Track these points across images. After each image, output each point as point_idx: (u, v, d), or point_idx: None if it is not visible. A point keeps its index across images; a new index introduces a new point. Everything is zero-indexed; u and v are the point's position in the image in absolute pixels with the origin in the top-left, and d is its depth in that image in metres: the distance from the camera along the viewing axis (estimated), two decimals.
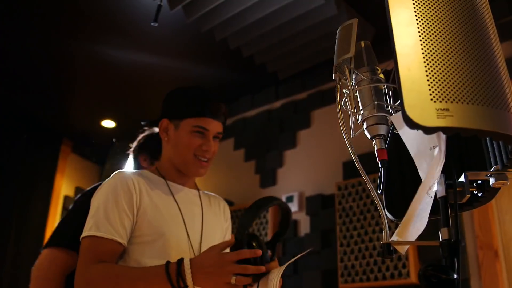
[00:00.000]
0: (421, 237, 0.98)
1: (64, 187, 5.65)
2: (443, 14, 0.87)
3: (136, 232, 1.68)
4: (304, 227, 4.13)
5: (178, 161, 1.82)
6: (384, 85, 1.03)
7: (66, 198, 5.62)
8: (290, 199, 4.27)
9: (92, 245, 1.61)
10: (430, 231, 1.01)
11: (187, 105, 1.81)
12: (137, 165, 2.64)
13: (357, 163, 1.00)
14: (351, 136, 1.04)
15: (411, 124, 0.75)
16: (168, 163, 1.86)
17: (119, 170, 1.80)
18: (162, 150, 1.91)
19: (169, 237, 1.68)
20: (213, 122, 1.81)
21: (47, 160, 5.55)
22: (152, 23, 3.20)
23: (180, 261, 1.48)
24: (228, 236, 1.93)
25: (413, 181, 1.10)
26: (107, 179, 1.76)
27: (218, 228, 1.91)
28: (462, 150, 0.99)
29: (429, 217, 1.00)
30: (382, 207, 0.97)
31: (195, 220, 1.81)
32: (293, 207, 4.23)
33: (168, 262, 1.50)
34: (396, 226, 0.98)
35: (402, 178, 1.14)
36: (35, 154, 5.41)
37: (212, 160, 1.86)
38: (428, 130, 0.74)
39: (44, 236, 5.27)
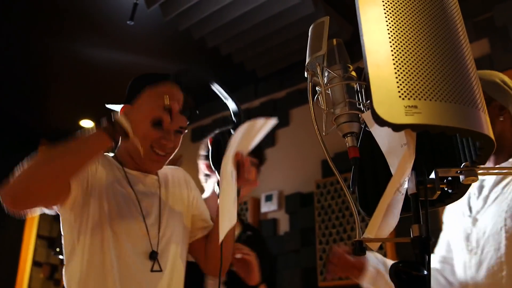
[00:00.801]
0: (399, 234, 0.98)
1: None
2: (412, 12, 0.87)
3: (84, 211, 1.53)
4: (284, 226, 4.14)
5: (133, 153, 1.65)
6: (356, 83, 1.03)
7: None
8: (269, 198, 4.28)
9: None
10: (406, 229, 1.01)
11: (146, 79, 1.61)
12: None
13: (329, 161, 1.00)
14: (324, 134, 1.04)
15: (380, 121, 0.75)
16: (123, 152, 1.69)
17: None
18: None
19: (124, 230, 1.56)
20: (173, 90, 1.60)
21: (24, 160, 5.47)
22: (128, 22, 3.19)
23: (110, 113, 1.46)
24: (196, 203, 1.80)
25: (386, 179, 1.10)
26: None
27: (180, 204, 1.75)
28: (433, 147, 0.99)
29: (401, 214, 1.00)
30: (354, 205, 0.97)
31: (154, 210, 1.65)
32: (272, 205, 4.23)
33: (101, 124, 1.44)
34: None
35: (376, 176, 1.14)
36: (12, 155, 5.33)
37: (171, 154, 1.67)
38: (396, 127, 0.75)
39: (22, 236, 5.22)
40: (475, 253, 1.70)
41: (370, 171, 1.16)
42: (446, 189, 0.95)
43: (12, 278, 5.11)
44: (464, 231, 1.76)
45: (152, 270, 1.56)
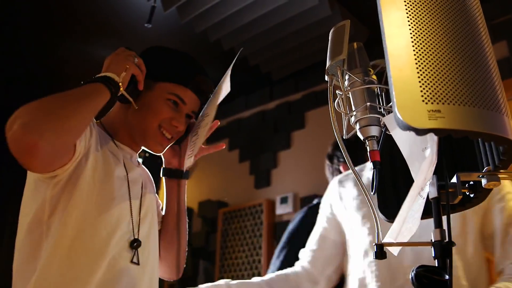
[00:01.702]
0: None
1: None
2: (435, 15, 0.87)
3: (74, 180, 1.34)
4: None
5: (137, 127, 1.52)
6: (376, 87, 1.03)
7: None
8: (284, 200, 4.28)
9: None
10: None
11: (169, 66, 1.55)
12: None
13: (349, 165, 1.00)
14: (344, 137, 1.04)
15: (403, 125, 0.75)
16: (120, 125, 1.55)
17: None
18: (115, 107, 1.52)
19: (115, 213, 1.40)
20: (193, 96, 1.55)
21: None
22: (146, 24, 3.20)
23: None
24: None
25: (406, 182, 1.10)
26: None
27: (152, 192, 1.62)
28: (455, 151, 0.99)
29: (421, 218, 1.00)
30: (374, 208, 0.97)
31: (138, 194, 1.51)
32: (288, 208, 4.23)
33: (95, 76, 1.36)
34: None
35: (395, 179, 1.14)
36: None
37: (176, 139, 1.59)
38: (419, 132, 0.75)
39: None
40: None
41: (390, 174, 1.16)
42: (467, 193, 0.95)
43: None
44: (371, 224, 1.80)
45: (131, 261, 1.41)
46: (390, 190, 1.15)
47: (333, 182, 2.12)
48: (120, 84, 1.37)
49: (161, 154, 1.60)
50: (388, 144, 1.10)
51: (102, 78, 1.35)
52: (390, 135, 1.04)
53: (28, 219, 1.33)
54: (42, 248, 1.30)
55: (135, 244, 1.42)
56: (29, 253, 1.31)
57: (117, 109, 1.52)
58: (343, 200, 2.00)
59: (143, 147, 1.58)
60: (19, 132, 1.14)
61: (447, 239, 0.87)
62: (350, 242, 1.93)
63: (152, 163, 1.84)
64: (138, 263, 1.42)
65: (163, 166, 1.68)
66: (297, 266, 2.02)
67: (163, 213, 1.68)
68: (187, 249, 1.70)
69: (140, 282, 1.43)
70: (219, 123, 1.69)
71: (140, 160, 1.66)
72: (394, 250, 0.98)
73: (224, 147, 1.75)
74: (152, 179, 1.67)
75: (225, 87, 1.57)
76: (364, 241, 1.83)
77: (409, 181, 1.09)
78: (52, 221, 1.31)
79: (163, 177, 1.68)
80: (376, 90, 1.05)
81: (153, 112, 1.50)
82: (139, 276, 1.42)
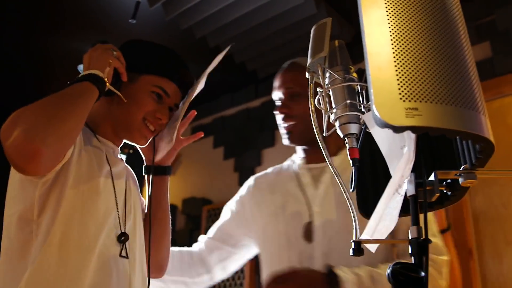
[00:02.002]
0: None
1: None
2: (415, 14, 0.87)
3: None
4: None
5: (121, 120, 1.53)
6: (357, 84, 1.04)
7: None
8: None
9: None
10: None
11: (153, 59, 1.57)
12: None
13: (328, 161, 1.00)
14: (324, 134, 1.05)
15: (381, 123, 0.75)
16: (102, 119, 1.54)
17: None
18: (99, 100, 1.52)
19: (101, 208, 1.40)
20: (176, 89, 1.57)
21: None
22: (130, 20, 3.19)
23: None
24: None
25: (386, 180, 1.11)
26: None
27: (136, 187, 1.63)
28: (433, 149, 1.00)
29: (400, 216, 1.01)
30: (352, 206, 0.98)
31: (122, 190, 1.51)
32: None
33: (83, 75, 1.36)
34: None
35: (375, 177, 1.15)
36: None
37: (158, 132, 1.60)
38: (397, 129, 0.75)
39: None
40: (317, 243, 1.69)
41: (370, 172, 1.16)
42: (445, 191, 0.96)
43: None
44: (300, 221, 1.75)
45: (120, 255, 1.41)
46: (369, 188, 1.15)
47: (250, 180, 2.08)
48: (105, 79, 1.38)
49: (141, 147, 1.60)
50: (368, 141, 1.10)
51: (88, 76, 1.36)
52: (369, 132, 1.04)
53: (15, 218, 1.32)
54: (32, 246, 1.29)
55: (122, 238, 1.42)
56: (18, 253, 1.30)
57: (99, 103, 1.49)
58: (256, 199, 1.97)
59: (125, 140, 1.58)
60: (20, 139, 1.15)
61: (423, 237, 0.88)
62: (262, 245, 1.90)
63: (134, 161, 1.83)
64: (127, 257, 1.42)
65: (145, 164, 1.68)
66: (195, 247, 2.00)
67: (146, 210, 1.67)
68: (170, 247, 1.70)
69: (133, 276, 1.43)
70: (195, 113, 1.71)
71: (124, 157, 1.65)
72: (371, 247, 0.99)
73: (202, 135, 1.76)
74: (135, 175, 1.67)
75: (201, 83, 1.59)
76: (280, 245, 1.80)
77: (389, 178, 1.10)
78: (42, 220, 1.31)
79: (145, 175, 1.67)
80: (356, 88, 1.05)
81: (137, 104, 1.51)
82: (131, 269, 1.43)
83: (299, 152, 1.90)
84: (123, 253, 1.41)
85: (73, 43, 4.25)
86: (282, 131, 1.79)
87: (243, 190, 2.04)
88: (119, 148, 1.60)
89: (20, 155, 1.16)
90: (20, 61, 4.52)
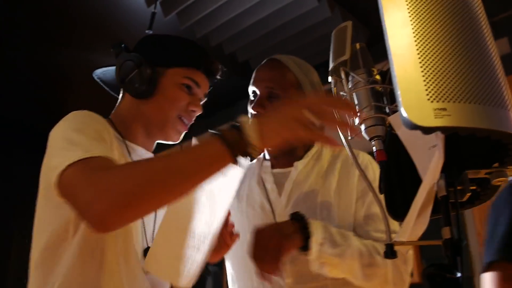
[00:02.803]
0: (423, 237, 0.98)
1: None
2: (437, 14, 0.87)
3: None
4: None
5: (154, 119, 1.43)
6: (380, 86, 1.04)
7: None
8: None
9: (87, 165, 1.11)
10: (431, 230, 1.01)
11: (180, 51, 1.47)
12: None
13: (357, 165, 1.00)
14: (350, 138, 1.04)
15: (409, 124, 0.75)
16: (132, 120, 1.44)
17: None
18: (123, 100, 1.50)
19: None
20: (205, 79, 1.48)
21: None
22: (147, 31, 3.21)
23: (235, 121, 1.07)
24: None
25: (413, 181, 1.10)
26: (66, 116, 1.35)
27: None
28: (462, 148, 0.99)
29: (430, 217, 1.00)
30: (382, 208, 0.97)
31: None
32: None
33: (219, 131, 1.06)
34: None
35: (402, 179, 1.14)
36: (34, 165, 5.40)
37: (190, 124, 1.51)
38: (426, 130, 0.75)
39: None
40: None
41: (396, 174, 1.16)
42: (476, 190, 0.95)
43: None
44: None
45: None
46: (397, 190, 1.15)
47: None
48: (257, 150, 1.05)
49: None
50: (393, 143, 1.10)
51: (236, 138, 1.04)
52: (395, 134, 1.04)
53: (46, 237, 1.27)
54: (64, 263, 1.25)
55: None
56: (47, 271, 1.27)
57: (128, 103, 1.45)
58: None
59: (158, 141, 1.51)
60: (109, 210, 1.02)
61: (456, 237, 0.87)
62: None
63: None
64: None
65: None
66: None
67: None
68: None
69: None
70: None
71: None
72: (404, 249, 0.98)
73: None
74: None
75: None
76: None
77: (416, 180, 1.09)
78: (76, 239, 1.25)
79: None
80: (380, 90, 1.05)
81: (170, 100, 1.42)
82: (157, 281, 1.40)
83: (266, 153, 1.83)
84: None
85: (89, 54, 4.29)
86: None
87: None
88: (151, 152, 1.52)
89: (94, 221, 1.05)
90: (35, 72, 4.57)
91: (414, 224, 0.92)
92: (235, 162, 1.01)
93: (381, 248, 1.48)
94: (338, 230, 1.52)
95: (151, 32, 3.22)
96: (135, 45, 1.50)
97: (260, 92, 1.70)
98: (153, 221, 1.44)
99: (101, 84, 1.57)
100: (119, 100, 1.52)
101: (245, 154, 1.00)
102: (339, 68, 1.05)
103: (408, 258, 1.52)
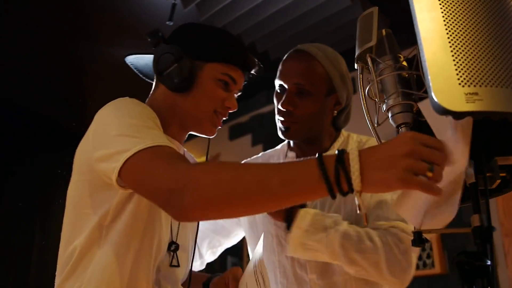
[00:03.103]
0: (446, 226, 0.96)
1: None
2: None
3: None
4: None
5: (190, 113, 1.42)
6: (407, 73, 1.02)
7: None
8: None
9: (162, 153, 1.14)
10: (453, 220, 0.96)
11: (220, 46, 1.44)
12: None
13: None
14: (376, 125, 1.03)
15: (440, 109, 0.74)
16: (168, 113, 1.43)
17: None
18: (157, 90, 1.48)
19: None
20: (242, 76, 1.46)
21: (67, 166, 5.59)
22: (167, 22, 3.20)
23: (341, 152, 0.93)
24: None
25: None
26: (113, 101, 1.35)
27: None
28: (492, 134, 0.97)
29: (460, 204, 0.99)
30: None
31: None
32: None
33: (320, 154, 0.96)
34: None
35: None
36: (55, 160, 5.46)
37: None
38: (457, 115, 0.74)
39: None
40: None
41: None
42: (505, 177, 0.94)
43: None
44: None
45: (171, 265, 1.36)
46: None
47: None
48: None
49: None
50: (420, 130, 1.08)
51: (337, 175, 0.93)
52: (421, 121, 1.03)
53: (91, 223, 1.28)
54: (96, 250, 1.27)
55: (172, 247, 1.37)
56: (82, 255, 1.29)
57: (163, 94, 1.44)
58: None
59: (191, 132, 1.50)
60: (197, 204, 1.04)
61: (486, 224, 0.86)
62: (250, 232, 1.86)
63: None
64: (178, 265, 1.39)
65: None
66: None
67: None
68: None
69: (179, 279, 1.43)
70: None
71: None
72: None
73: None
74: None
75: None
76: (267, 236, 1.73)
77: None
78: (112, 226, 1.27)
79: None
80: (407, 76, 1.03)
81: (207, 95, 1.40)
82: (180, 274, 1.42)
83: (291, 143, 1.82)
84: (174, 262, 1.37)
85: (108, 48, 4.31)
86: (279, 124, 1.70)
87: None
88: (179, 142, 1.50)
89: (178, 210, 1.06)
90: (55, 66, 4.60)
91: (443, 210, 0.91)
92: (330, 195, 0.94)
93: (376, 235, 1.47)
94: (331, 216, 1.52)
95: (171, 23, 3.21)
96: (172, 32, 1.47)
97: (288, 87, 1.66)
98: None
99: (134, 69, 1.55)
100: (153, 89, 1.50)
101: (342, 192, 0.93)
102: (365, 54, 1.03)
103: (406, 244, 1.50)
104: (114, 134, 1.20)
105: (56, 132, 5.48)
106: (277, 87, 1.71)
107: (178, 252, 1.39)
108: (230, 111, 1.47)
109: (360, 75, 1.04)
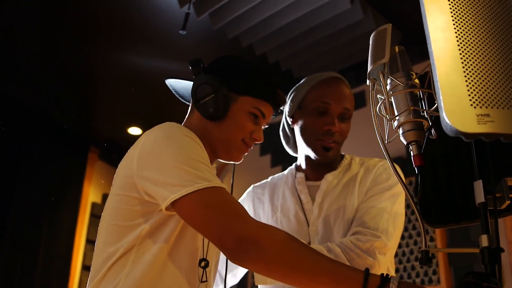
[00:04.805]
0: (452, 243, 0.96)
1: (91, 194, 5.73)
2: (481, 18, 0.86)
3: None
4: None
5: (220, 140, 1.51)
6: (419, 90, 1.03)
7: (93, 204, 5.69)
8: None
9: (220, 197, 1.27)
10: (460, 237, 0.98)
11: (253, 81, 1.54)
12: None
13: (393, 169, 0.99)
14: (386, 142, 1.03)
15: (452, 130, 0.74)
16: (200, 136, 1.48)
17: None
18: (192, 116, 1.57)
19: None
20: (271, 111, 1.57)
21: (75, 167, 5.64)
22: (180, 31, 3.23)
23: (386, 276, 1.10)
24: None
25: (448, 188, 1.09)
26: (165, 126, 1.41)
27: None
28: (501, 155, 0.97)
29: (466, 224, 0.99)
30: (419, 214, 0.96)
31: None
32: None
33: (367, 271, 1.14)
34: (434, 232, 0.97)
35: (437, 184, 1.13)
36: (64, 162, 5.49)
37: None
38: (469, 136, 0.74)
39: (73, 241, 5.35)
40: None
41: (431, 179, 1.15)
42: None
43: (64, 283, 5.24)
44: (299, 236, 1.72)
45: (201, 281, 1.44)
46: (431, 195, 1.14)
47: (249, 189, 2.05)
48: None
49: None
50: (429, 149, 1.09)
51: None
52: (431, 139, 1.03)
53: (125, 234, 1.36)
54: (129, 258, 1.34)
55: (203, 263, 1.45)
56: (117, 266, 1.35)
57: (197, 120, 1.53)
58: (255, 211, 1.94)
59: (220, 159, 1.61)
60: (253, 261, 1.21)
61: (494, 245, 0.85)
62: None
63: None
64: (206, 280, 1.46)
65: None
66: None
67: None
68: None
69: None
70: None
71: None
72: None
73: None
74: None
75: None
76: None
77: (451, 186, 1.08)
78: (144, 245, 1.35)
79: None
80: (418, 93, 1.04)
81: (237, 126, 1.50)
82: None
83: (302, 165, 1.87)
84: (204, 278, 1.45)
85: (120, 54, 4.35)
86: (319, 142, 1.76)
87: (243, 198, 2.03)
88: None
89: (233, 257, 1.23)
90: (66, 71, 4.64)
91: None
92: None
93: (336, 245, 1.57)
94: None
95: (184, 32, 3.23)
96: (211, 62, 1.57)
97: (338, 111, 1.78)
98: None
99: (172, 91, 1.66)
100: (188, 113, 1.59)
101: None
102: (377, 71, 1.04)
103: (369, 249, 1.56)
104: (170, 163, 1.29)
105: (64, 134, 5.52)
106: (320, 105, 1.76)
107: (207, 269, 1.47)
108: (256, 142, 1.57)
109: (371, 91, 1.04)
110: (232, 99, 1.50)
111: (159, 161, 1.32)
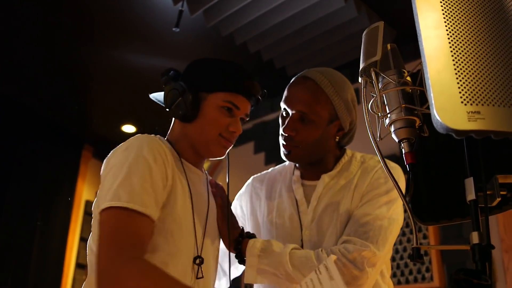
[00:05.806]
0: (445, 241, 0.97)
1: (85, 192, 5.71)
2: (472, 16, 0.86)
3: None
4: None
5: (198, 139, 1.58)
6: (411, 88, 1.03)
7: (87, 202, 5.67)
8: None
9: (123, 221, 1.33)
10: (453, 234, 0.99)
11: (220, 77, 1.59)
12: None
13: (385, 167, 0.99)
14: (378, 139, 1.04)
15: (442, 127, 0.74)
16: (183, 141, 1.61)
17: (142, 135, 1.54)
18: (174, 122, 1.66)
19: (181, 231, 1.49)
20: (245, 101, 1.60)
21: (69, 165, 5.63)
22: (174, 29, 3.22)
23: None
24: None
25: (440, 185, 1.09)
26: (129, 141, 1.52)
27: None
28: (492, 152, 0.98)
29: (458, 221, 0.99)
30: (410, 211, 0.97)
31: (203, 210, 1.61)
32: None
33: None
34: (427, 230, 0.97)
35: (429, 182, 1.13)
36: (57, 160, 5.48)
37: (233, 143, 1.65)
38: (459, 133, 0.74)
39: (67, 239, 5.34)
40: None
41: (423, 177, 1.15)
42: (506, 195, 0.94)
43: (57, 281, 5.23)
44: (293, 240, 1.73)
45: (197, 277, 1.50)
46: (423, 193, 1.14)
47: (249, 181, 2.05)
48: None
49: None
50: (421, 146, 1.09)
51: None
52: (424, 136, 1.03)
53: None
54: None
55: (197, 261, 1.51)
56: None
57: (177, 125, 1.63)
58: (252, 204, 1.95)
59: (206, 158, 1.66)
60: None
61: (485, 242, 0.86)
62: None
63: None
64: (202, 277, 1.51)
65: None
66: None
67: None
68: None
69: None
70: None
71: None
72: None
73: None
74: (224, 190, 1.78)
75: None
76: None
77: (444, 184, 1.08)
78: None
79: None
80: (410, 91, 1.04)
81: (210, 122, 1.56)
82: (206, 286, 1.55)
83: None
84: (199, 275, 1.50)
85: (113, 51, 4.34)
86: (282, 147, 1.75)
87: (242, 191, 2.04)
88: (202, 169, 1.68)
89: (101, 282, 1.28)
90: (60, 69, 4.62)
91: None
92: None
93: (324, 252, 1.56)
94: (279, 243, 1.62)
95: (178, 30, 3.23)
96: (184, 69, 1.66)
97: (292, 114, 1.73)
98: (202, 232, 1.57)
99: (158, 103, 1.71)
100: (172, 122, 1.68)
101: None
102: (369, 68, 1.04)
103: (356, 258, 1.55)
104: (110, 179, 1.42)
105: (58, 132, 5.51)
106: (282, 110, 1.75)
107: (202, 266, 1.52)
108: (236, 135, 1.61)
109: (363, 89, 1.04)
110: (202, 98, 1.57)
111: (106, 176, 1.45)
